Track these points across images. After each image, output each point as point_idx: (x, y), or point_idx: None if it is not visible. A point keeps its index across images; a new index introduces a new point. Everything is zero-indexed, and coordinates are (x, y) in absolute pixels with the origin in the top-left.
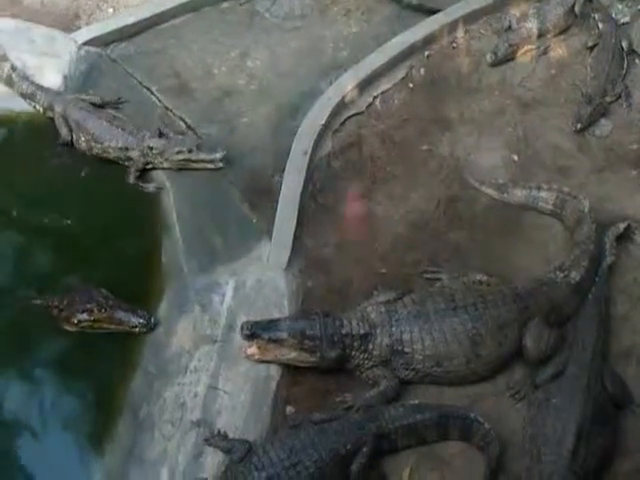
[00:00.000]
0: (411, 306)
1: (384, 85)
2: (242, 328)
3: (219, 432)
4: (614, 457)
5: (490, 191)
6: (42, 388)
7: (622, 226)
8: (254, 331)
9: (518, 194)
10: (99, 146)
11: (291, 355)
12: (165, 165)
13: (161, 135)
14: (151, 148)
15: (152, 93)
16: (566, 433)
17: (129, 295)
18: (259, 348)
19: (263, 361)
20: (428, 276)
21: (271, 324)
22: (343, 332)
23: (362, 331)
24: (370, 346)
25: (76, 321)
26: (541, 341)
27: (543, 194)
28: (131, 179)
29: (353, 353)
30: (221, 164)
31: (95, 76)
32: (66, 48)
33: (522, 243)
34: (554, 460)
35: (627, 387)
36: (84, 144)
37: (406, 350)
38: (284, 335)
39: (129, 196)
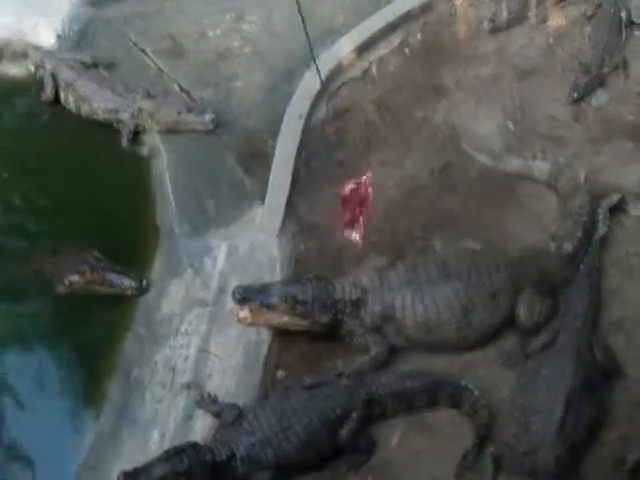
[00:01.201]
0: (403, 273)
1: (380, 51)
2: (234, 293)
3: (209, 395)
4: (601, 427)
5: (485, 159)
6: (34, 350)
7: (616, 197)
8: (246, 295)
9: (513, 163)
10: (87, 107)
11: (283, 319)
12: (155, 127)
13: (150, 96)
14: (141, 110)
15: (146, 55)
16: (555, 403)
17: (121, 258)
18: (251, 312)
19: (255, 325)
20: (421, 243)
21: (263, 289)
22: (335, 297)
23: (354, 297)
24: (362, 312)
25: (68, 283)
26: (533, 311)
27: (538, 163)
28: (124, 142)
29: (345, 319)
30: (211, 126)
31: (89, 36)
32: (61, 7)
33: (516, 212)
34: (543, 429)
35: (616, 358)
36: (73, 104)
37: (397, 316)
38: (276, 300)
39: (122, 159)
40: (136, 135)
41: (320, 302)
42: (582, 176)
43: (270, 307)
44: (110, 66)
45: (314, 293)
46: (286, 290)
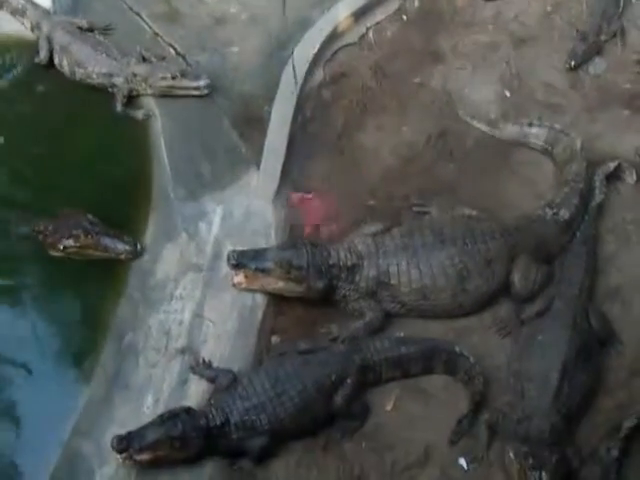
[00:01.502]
0: (399, 238)
1: (377, 16)
2: (229, 257)
3: (204, 360)
4: (596, 394)
5: (482, 126)
6: (27, 314)
7: (612, 165)
8: (240, 261)
9: (510, 129)
10: (82, 71)
11: (278, 285)
12: (149, 91)
13: (144, 60)
14: (135, 75)
15: (142, 18)
16: (551, 370)
17: (116, 222)
18: (246, 277)
19: (250, 290)
20: (416, 209)
21: (258, 254)
22: (330, 262)
23: (349, 262)
24: (357, 277)
25: (62, 247)
26: (528, 277)
27: (534, 130)
28: (118, 107)
29: (340, 284)
30: (206, 91)
31: (85, 0)
32: None
33: (512, 179)
34: (538, 396)
35: (612, 325)
36: (67, 68)
37: (392, 282)
38: (271, 265)
39: (116, 123)
40: (131, 99)
41: (315, 267)
42: (578, 143)
43: (265, 272)
44: (105, 30)
45: (309, 258)
46: (281, 255)
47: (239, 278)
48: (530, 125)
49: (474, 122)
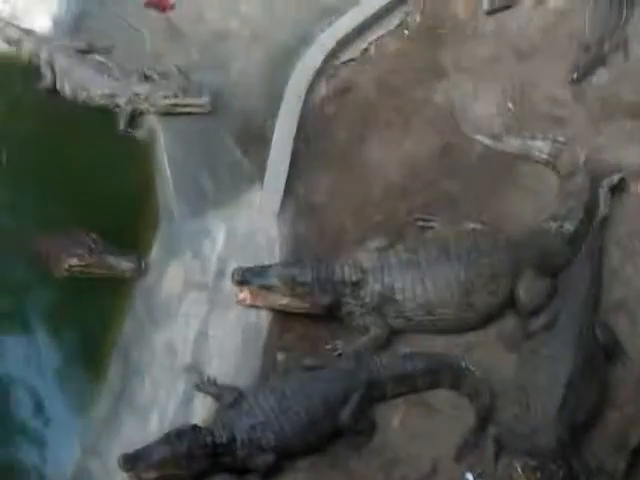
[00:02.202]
0: (403, 254)
1: (379, 31)
2: (233, 274)
3: (209, 378)
4: (603, 408)
5: (485, 139)
6: (32, 334)
7: (616, 177)
8: (245, 277)
9: (513, 142)
10: (85, 93)
11: (283, 301)
12: (152, 110)
13: (146, 78)
14: (137, 94)
15: (143, 36)
16: (556, 383)
17: (120, 240)
18: (250, 294)
19: (254, 307)
20: (421, 224)
21: (262, 270)
22: (335, 279)
23: (354, 278)
24: (362, 293)
25: (66, 266)
26: (533, 292)
27: (538, 143)
28: (121, 125)
29: (345, 300)
30: (208, 108)
31: (85, 19)
32: None
33: (516, 193)
34: (544, 410)
35: (618, 338)
36: (69, 91)
37: (397, 297)
38: (275, 281)
39: (120, 142)
40: (133, 118)
41: (320, 283)
42: (582, 156)
43: (270, 288)
44: (106, 50)
45: (313, 274)
46: (285, 271)
47: (244, 295)
48: (533, 138)
49: (477, 136)
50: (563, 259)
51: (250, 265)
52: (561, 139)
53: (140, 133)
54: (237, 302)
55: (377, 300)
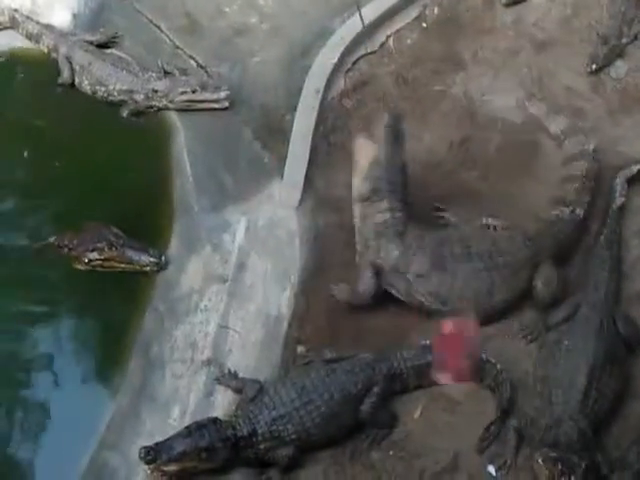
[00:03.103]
0: (430, 251)
1: (397, 24)
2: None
3: (230, 371)
4: (625, 399)
5: (514, 99)
6: (53, 327)
7: (635, 168)
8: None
9: (538, 106)
10: (103, 89)
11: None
12: (170, 106)
13: (165, 74)
14: (156, 91)
15: (162, 31)
16: (578, 375)
17: (140, 234)
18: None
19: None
20: (436, 214)
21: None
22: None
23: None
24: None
25: (87, 260)
26: (551, 284)
27: (558, 118)
28: (125, 113)
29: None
30: (226, 103)
31: (105, 14)
32: None
33: (534, 185)
34: (565, 402)
35: (639, 329)
36: (88, 87)
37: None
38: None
39: (140, 135)
40: (141, 111)
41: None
42: (591, 145)
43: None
44: (124, 44)
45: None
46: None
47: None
48: (557, 112)
49: (504, 99)
50: (575, 244)
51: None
52: (579, 124)
53: (161, 127)
54: None
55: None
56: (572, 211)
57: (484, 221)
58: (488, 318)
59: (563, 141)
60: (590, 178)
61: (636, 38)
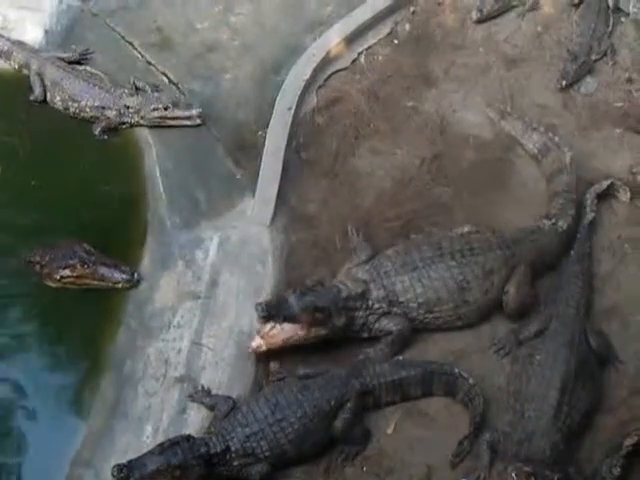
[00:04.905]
0: (396, 257)
1: (369, 41)
2: (257, 309)
3: (203, 388)
4: (597, 412)
5: (493, 115)
6: (24, 344)
7: (605, 183)
8: (269, 311)
9: (515, 124)
10: (75, 105)
11: (301, 333)
12: (142, 122)
13: (137, 89)
14: (128, 107)
15: (134, 48)
16: (550, 389)
17: (112, 250)
18: (263, 338)
19: (271, 348)
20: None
21: (281, 302)
22: (343, 296)
23: (359, 290)
24: (369, 302)
25: (58, 277)
26: (522, 290)
27: (535, 136)
28: (97, 131)
29: (356, 314)
30: (199, 120)
31: (77, 31)
32: (47, 2)
33: (507, 200)
34: (538, 416)
35: (611, 343)
36: (60, 103)
37: (401, 299)
38: (297, 310)
39: (113, 151)
40: (114, 128)
41: (334, 305)
42: (568, 157)
43: (293, 319)
44: (96, 60)
45: (328, 297)
46: (304, 299)
47: (257, 342)
48: (533, 129)
49: (487, 110)
50: (557, 256)
51: (267, 299)
52: (556, 139)
53: (132, 143)
54: (252, 351)
55: (385, 305)
56: (553, 223)
57: (459, 230)
58: (462, 318)
59: (541, 160)
60: (572, 191)
61: (605, 54)
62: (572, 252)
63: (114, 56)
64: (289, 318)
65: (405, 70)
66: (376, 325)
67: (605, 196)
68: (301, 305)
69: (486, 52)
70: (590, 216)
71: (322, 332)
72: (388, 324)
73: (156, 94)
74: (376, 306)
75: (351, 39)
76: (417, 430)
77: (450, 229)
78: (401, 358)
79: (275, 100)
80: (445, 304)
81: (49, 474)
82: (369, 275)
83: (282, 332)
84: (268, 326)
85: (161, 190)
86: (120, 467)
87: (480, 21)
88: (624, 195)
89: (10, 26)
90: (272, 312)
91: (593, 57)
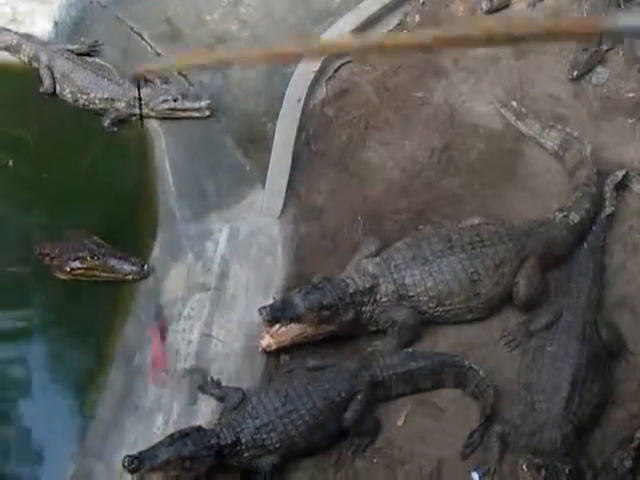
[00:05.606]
0: (406, 250)
1: (379, 32)
2: (261, 313)
3: (213, 380)
4: (607, 405)
5: (508, 114)
6: (35, 336)
7: (620, 174)
8: (274, 314)
9: (532, 124)
10: (85, 97)
11: (308, 330)
12: (151, 114)
13: (147, 82)
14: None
15: (143, 39)
16: (560, 381)
17: (122, 242)
18: (272, 337)
19: (280, 346)
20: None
21: (286, 303)
22: (351, 291)
23: (367, 285)
24: (378, 297)
25: (69, 269)
26: (532, 282)
27: (552, 133)
28: (106, 123)
29: (364, 308)
30: (208, 112)
31: (86, 22)
32: None
33: (517, 191)
34: (548, 408)
35: (622, 335)
36: (69, 95)
37: (411, 293)
38: (303, 310)
39: (122, 143)
40: (123, 119)
41: (341, 301)
42: (589, 149)
43: (298, 319)
44: (105, 52)
45: (334, 294)
46: (310, 299)
47: (266, 341)
48: (550, 127)
49: (502, 110)
50: (567, 249)
51: (272, 303)
52: (575, 133)
53: (141, 135)
54: (262, 350)
55: (394, 299)
56: (565, 216)
57: (468, 221)
58: (473, 310)
59: (563, 155)
60: (591, 184)
61: (616, 45)
62: (585, 244)
63: (123, 48)
64: (295, 319)
65: (415, 61)
66: (383, 316)
67: (618, 187)
68: (307, 305)
69: None
70: (609, 210)
71: (330, 328)
72: (392, 315)
73: (165, 85)
74: (384, 300)
75: (360, 30)
76: (427, 422)
77: (460, 220)
78: (411, 350)
79: (284, 91)
80: (456, 296)
81: (59, 466)
82: (379, 269)
83: (291, 330)
84: (265, 340)
85: (171, 182)
86: (131, 458)
87: (490, 11)
88: (637, 185)
89: (20, 18)
90: (277, 315)
91: (604, 47)
